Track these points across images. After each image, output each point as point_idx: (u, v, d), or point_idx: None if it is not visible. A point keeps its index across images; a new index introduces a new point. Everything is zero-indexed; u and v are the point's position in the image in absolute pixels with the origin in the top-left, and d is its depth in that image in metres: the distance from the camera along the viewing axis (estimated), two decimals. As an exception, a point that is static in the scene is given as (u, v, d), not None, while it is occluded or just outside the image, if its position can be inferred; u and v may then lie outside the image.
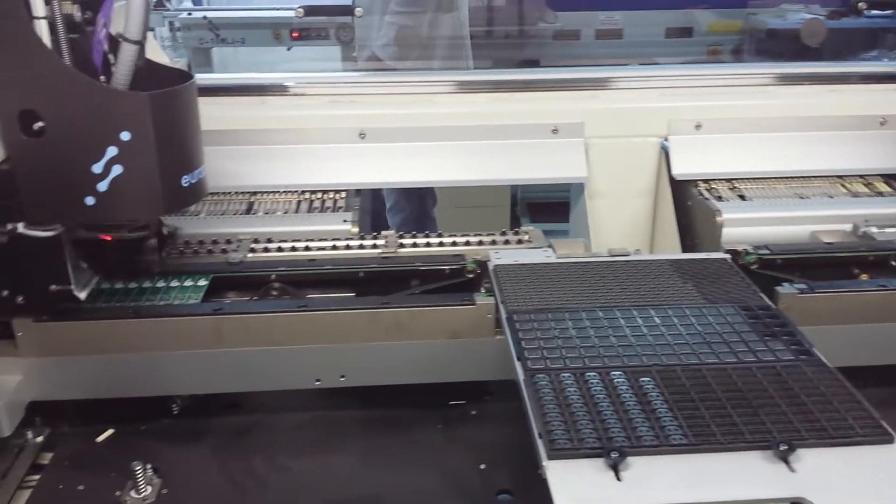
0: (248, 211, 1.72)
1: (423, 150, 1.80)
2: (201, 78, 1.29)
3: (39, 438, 1.25)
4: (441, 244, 1.54)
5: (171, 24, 3.83)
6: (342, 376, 1.30)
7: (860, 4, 3.70)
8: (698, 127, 1.78)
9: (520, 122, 1.80)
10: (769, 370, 1.04)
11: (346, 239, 1.54)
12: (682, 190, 1.76)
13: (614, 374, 1.03)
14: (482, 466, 1.18)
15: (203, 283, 1.38)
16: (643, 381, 1.01)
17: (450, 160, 1.79)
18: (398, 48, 3.07)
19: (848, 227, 1.61)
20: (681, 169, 1.75)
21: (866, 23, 3.82)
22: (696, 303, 1.21)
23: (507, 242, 1.55)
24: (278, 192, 1.77)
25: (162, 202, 1.15)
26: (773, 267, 1.42)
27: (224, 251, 1.49)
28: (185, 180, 1.17)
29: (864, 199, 1.73)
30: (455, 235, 1.56)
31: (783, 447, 0.88)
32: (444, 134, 1.80)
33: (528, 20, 3.79)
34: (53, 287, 1.22)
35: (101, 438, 1.25)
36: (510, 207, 3.88)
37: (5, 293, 1.21)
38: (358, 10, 3.15)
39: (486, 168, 1.79)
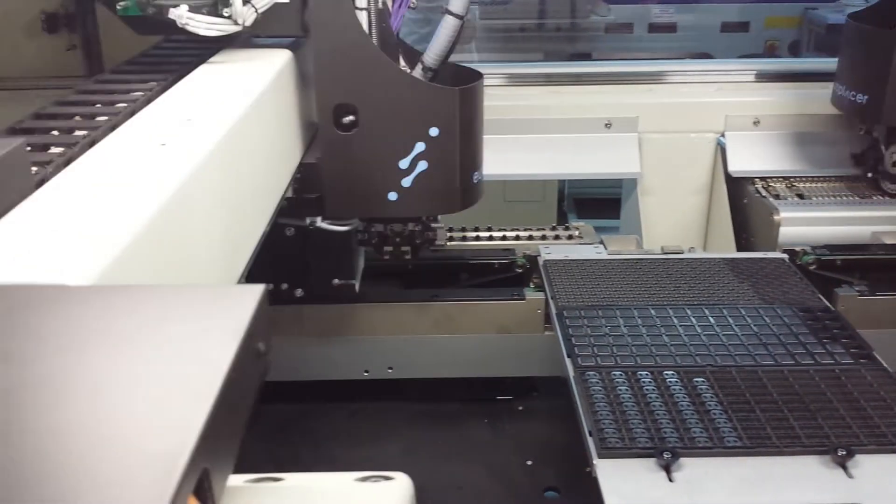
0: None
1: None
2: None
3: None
4: (490, 238, 1.53)
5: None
6: (390, 368, 1.30)
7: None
8: (756, 123, 1.75)
9: (572, 115, 1.78)
10: (828, 373, 1.01)
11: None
12: (737, 187, 1.73)
13: (667, 374, 1.01)
14: (529, 463, 1.17)
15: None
16: (697, 381, 0.99)
17: (501, 154, 1.78)
18: None
19: (910, 228, 1.56)
20: (737, 166, 1.72)
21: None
22: (752, 303, 1.18)
23: (556, 237, 1.53)
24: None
25: (459, 198, 1.13)
26: (832, 268, 1.39)
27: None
28: (476, 177, 1.14)
29: (928, 199, 1.68)
30: (504, 230, 1.55)
31: (841, 452, 0.85)
32: (496, 127, 1.79)
33: (580, 13, 3.75)
34: (336, 281, 1.22)
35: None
36: (557, 203, 3.85)
37: (284, 286, 1.21)
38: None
39: (538, 162, 1.77)
